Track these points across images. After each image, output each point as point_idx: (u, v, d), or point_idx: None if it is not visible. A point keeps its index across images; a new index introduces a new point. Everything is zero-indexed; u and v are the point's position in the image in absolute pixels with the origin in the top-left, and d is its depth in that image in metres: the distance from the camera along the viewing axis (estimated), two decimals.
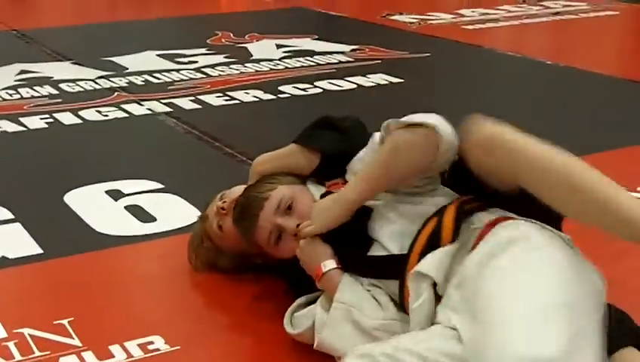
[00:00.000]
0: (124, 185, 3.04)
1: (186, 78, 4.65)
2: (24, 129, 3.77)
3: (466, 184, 1.92)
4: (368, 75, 4.64)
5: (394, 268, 1.86)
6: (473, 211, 1.88)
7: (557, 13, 6.67)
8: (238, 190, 2.26)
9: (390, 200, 1.98)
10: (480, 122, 1.82)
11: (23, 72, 4.79)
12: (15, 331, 2.09)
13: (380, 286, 1.92)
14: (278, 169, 2.19)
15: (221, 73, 4.75)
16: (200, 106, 4.10)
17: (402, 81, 4.55)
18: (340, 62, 5.00)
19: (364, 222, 1.96)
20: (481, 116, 1.84)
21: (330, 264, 1.96)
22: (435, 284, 1.78)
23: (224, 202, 2.27)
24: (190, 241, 2.39)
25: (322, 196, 2.08)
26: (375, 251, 1.93)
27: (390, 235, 1.92)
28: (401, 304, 1.87)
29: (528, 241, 1.74)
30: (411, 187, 1.98)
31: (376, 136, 2.03)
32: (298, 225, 2.02)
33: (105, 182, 3.07)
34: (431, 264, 1.79)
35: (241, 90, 4.37)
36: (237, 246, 2.24)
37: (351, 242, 1.96)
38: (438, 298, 1.78)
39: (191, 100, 4.19)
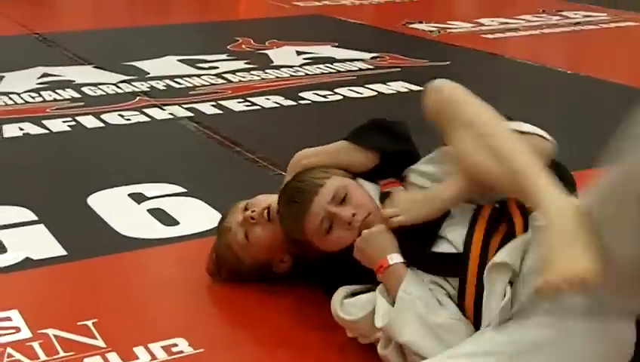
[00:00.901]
0: (147, 189, 3.06)
1: (207, 83, 4.67)
2: (47, 131, 3.80)
3: None
4: (388, 83, 4.65)
5: (456, 266, 1.88)
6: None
7: (577, 24, 6.66)
8: (263, 199, 2.27)
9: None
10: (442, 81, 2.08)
11: (45, 75, 4.83)
12: (40, 331, 2.11)
13: (441, 286, 1.91)
14: (327, 163, 2.17)
15: (242, 79, 4.77)
16: (221, 111, 4.13)
17: (422, 89, 4.53)
18: (360, 69, 5.02)
19: (437, 220, 1.95)
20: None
21: (396, 257, 1.93)
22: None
23: (253, 211, 2.25)
24: (210, 257, 2.38)
25: (383, 195, 2.08)
26: (440, 247, 1.93)
27: (452, 230, 1.93)
28: (460, 304, 1.87)
29: None
30: None
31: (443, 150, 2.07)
32: (354, 215, 2.01)
33: (128, 185, 3.10)
34: (507, 254, 1.81)
35: (262, 95, 4.39)
36: (261, 256, 2.25)
37: (417, 237, 1.94)
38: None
39: (212, 105, 4.21)
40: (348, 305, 1.99)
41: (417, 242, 1.94)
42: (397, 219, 1.96)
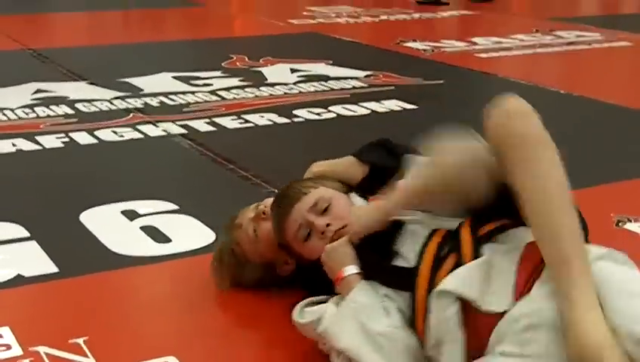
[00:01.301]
0: (140, 206, 3.06)
1: (201, 100, 4.68)
2: (40, 148, 3.80)
3: None
4: (382, 101, 4.66)
5: (407, 280, 1.89)
6: (491, 234, 1.89)
7: (570, 43, 6.69)
8: None
9: (421, 217, 2.00)
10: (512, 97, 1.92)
11: (39, 90, 4.83)
12: (31, 349, 2.10)
13: (392, 299, 1.93)
14: (331, 174, 2.30)
15: (236, 96, 4.78)
16: (215, 129, 4.13)
17: (416, 107, 4.56)
18: (354, 87, 5.03)
19: (393, 234, 1.98)
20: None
21: (351, 269, 1.98)
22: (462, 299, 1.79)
23: (266, 207, 2.32)
24: (215, 256, 2.43)
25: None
26: (397, 261, 1.95)
27: (408, 244, 1.95)
28: (412, 317, 1.89)
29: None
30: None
31: (419, 160, 2.08)
32: (328, 225, 2.06)
33: (120, 202, 3.09)
34: (456, 281, 1.80)
35: (256, 113, 4.40)
36: (267, 253, 2.30)
37: (376, 251, 1.99)
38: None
39: (206, 122, 4.21)
40: (305, 312, 2.04)
41: (377, 255, 1.99)
42: (343, 230, 2.05)
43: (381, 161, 2.26)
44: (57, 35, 7.47)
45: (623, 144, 4.00)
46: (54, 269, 2.57)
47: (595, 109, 4.65)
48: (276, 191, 3.07)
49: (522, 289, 1.77)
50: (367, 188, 2.23)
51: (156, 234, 2.82)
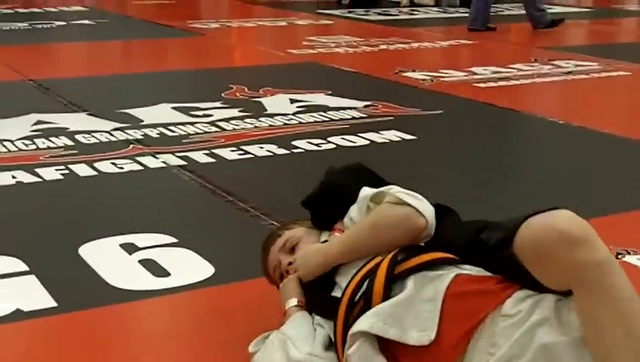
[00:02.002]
0: (139, 239, 3.06)
1: (201, 131, 4.69)
2: (39, 180, 3.80)
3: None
4: (381, 132, 4.67)
5: (334, 310, 1.99)
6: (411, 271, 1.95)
7: (569, 73, 6.71)
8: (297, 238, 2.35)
9: None
10: (562, 217, 1.67)
11: (39, 122, 4.84)
12: None
13: (323, 326, 2.05)
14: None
15: (235, 127, 4.79)
16: (214, 160, 4.13)
17: (415, 138, 4.58)
18: (354, 117, 5.04)
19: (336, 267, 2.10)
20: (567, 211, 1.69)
21: (292, 302, 2.14)
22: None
23: (290, 264, 2.35)
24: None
25: (324, 242, 2.23)
26: (335, 292, 2.06)
27: (343, 275, 2.07)
28: (335, 344, 1.99)
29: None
30: None
31: (366, 191, 2.17)
32: (290, 264, 2.21)
33: (119, 235, 3.09)
34: (367, 321, 1.88)
35: (256, 144, 4.41)
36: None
37: (322, 281, 2.11)
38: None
39: (205, 154, 4.22)
40: (257, 342, 2.14)
41: (318, 287, 2.11)
42: (295, 274, 2.18)
43: (328, 183, 2.32)
44: (58, 66, 7.50)
45: (622, 175, 4.01)
46: (53, 304, 2.56)
47: (594, 139, 4.67)
48: (275, 223, 3.08)
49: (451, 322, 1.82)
50: (327, 216, 2.28)
51: (155, 268, 2.82)
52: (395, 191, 2.08)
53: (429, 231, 2.04)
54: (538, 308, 1.74)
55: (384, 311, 1.88)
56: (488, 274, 1.91)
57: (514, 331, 1.73)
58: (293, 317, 2.09)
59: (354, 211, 2.19)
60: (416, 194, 2.07)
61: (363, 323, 1.89)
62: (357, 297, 1.96)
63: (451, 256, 1.99)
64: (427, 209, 2.04)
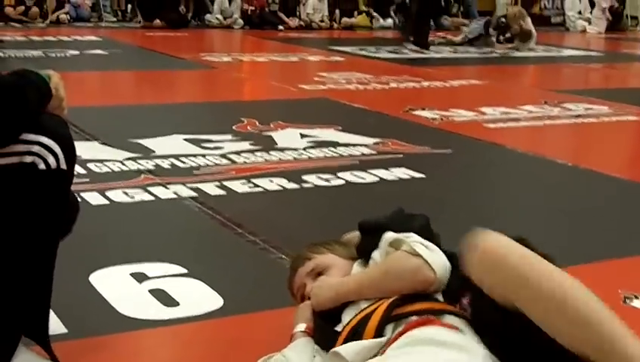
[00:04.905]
0: (149, 268, 3.08)
1: (212, 163, 4.73)
2: None
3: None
4: (390, 169, 4.70)
5: (331, 343, 2.05)
6: (406, 315, 1.99)
7: (578, 116, 6.75)
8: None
9: None
10: (483, 237, 1.87)
11: None
12: None
13: (321, 355, 2.12)
14: (348, 241, 2.45)
15: (246, 160, 4.82)
16: (225, 192, 4.16)
17: (424, 176, 4.60)
18: (363, 154, 5.08)
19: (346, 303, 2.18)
20: (484, 230, 1.88)
21: (300, 327, 2.23)
22: None
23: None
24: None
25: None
26: (337, 327, 2.13)
27: (348, 312, 2.14)
28: None
29: (441, 345, 1.83)
30: None
31: (388, 235, 2.22)
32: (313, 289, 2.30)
33: (130, 263, 3.11)
34: (349, 348, 1.96)
35: (266, 177, 4.44)
36: None
37: (329, 315, 2.19)
38: None
39: (216, 186, 4.25)
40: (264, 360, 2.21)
41: (327, 317, 2.20)
42: (309, 301, 2.28)
43: (367, 225, 2.36)
44: (71, 95, 7.50)
45: (631, 219, 4.02)
46: (63, 330, 2.58)
47: (603, 183, 4.69)
48: (284, 256, 3.11)
49: None
50: (365, 251, 2.33)
51: (164, 298, 2.84)
52: (412, 240, 2.12)
53: (438, 285, 2.07)
54: None
55: (355, 347, 1.96)
56: (468, 327, 1.94)
57: None
58: (296, 342, 2.19)
59: (376, 254, 2.25)
60: (431, 245, 2.11)
61: (343, 348, 1.97)
62: (353, 335, 2.02)
63: (450, 307, 2.01)
64: (439, 262, 2.07)
